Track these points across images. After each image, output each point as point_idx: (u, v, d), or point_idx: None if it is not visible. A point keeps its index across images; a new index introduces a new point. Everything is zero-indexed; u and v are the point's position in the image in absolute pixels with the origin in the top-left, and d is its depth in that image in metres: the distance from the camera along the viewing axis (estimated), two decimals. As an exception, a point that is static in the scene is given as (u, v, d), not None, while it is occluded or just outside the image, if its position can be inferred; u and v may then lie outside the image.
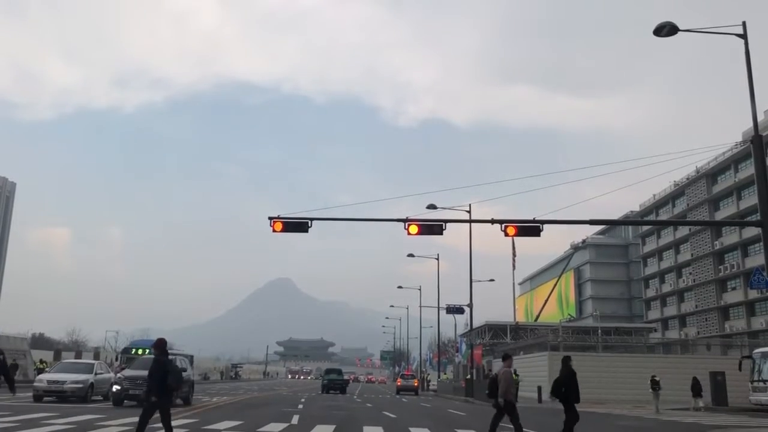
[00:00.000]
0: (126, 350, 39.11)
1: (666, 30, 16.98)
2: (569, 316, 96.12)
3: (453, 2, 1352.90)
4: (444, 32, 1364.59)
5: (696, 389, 29.12)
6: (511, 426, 12.47)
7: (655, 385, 27.73)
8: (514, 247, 57.89)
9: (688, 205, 75.83)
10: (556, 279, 79.79)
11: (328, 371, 50.95)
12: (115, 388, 20.13)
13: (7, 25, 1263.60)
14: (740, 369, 28.41)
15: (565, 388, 12.48)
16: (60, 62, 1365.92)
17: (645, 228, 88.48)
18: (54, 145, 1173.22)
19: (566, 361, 12.88)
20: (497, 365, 51.48)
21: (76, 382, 22.14)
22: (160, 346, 10.56)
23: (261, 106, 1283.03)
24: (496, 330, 60.02)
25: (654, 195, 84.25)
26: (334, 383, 45.36)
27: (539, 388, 34.96)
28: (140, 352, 37.02)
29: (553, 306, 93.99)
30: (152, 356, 28.03)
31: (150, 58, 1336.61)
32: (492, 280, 55.27)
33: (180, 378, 10.42)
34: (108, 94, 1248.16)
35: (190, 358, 42.64)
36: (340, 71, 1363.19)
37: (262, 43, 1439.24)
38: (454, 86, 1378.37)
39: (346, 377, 52.82)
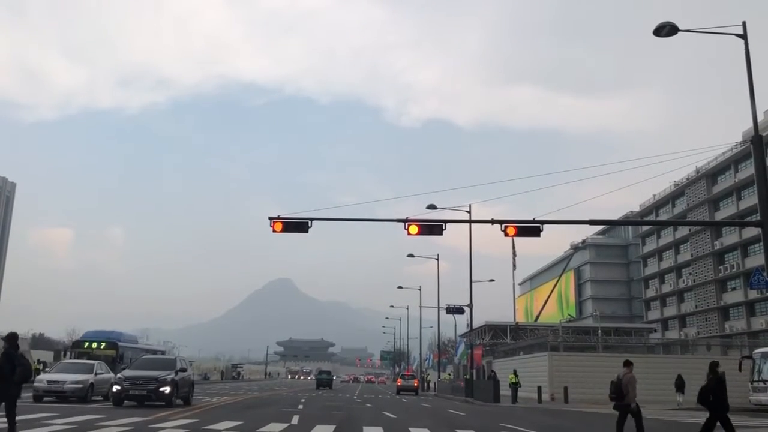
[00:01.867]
0: (77, 344, 34.64)
1: (666, 30, 17.00)
2: (569, 317, 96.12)
3: (456, 3, 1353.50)
4: (447, 33, 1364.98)
5: (678, 385, 29.55)
6: (512, 426, 12.47)
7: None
8: (514, 248, 57.89)
9: (688, 205, 75.84)
10: (556, 279, 79.77)
11: (320, 372, 69.89)
12: (116, 388, 20.11)
13: (10, 26, 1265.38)
14: (740, 369, 28.28)
15: (713, 395, 12.19)
16: (63, 63, 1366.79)
17: (645, 228, 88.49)
18: (56, 146, 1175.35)
19: (714, 366, 12.41)
20: (497, 365, 51.52)
21: (76, 383, 22.12)
22: (11, 339, 10.70)
23: (264, 106, 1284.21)
24: (496, 330, 59.99)
25: (654, 195, 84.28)
26: (323, 381, 62.32)
27: (539, 388, 34.94)
28: (94, 345, 33.48)
29: (553, 306, 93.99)
30: (156, 356, 27.86)
31: (153, 59, 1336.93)
32: (492, 280, 55.26)
33: (29, 372, 10.53)
34: (111, 94, 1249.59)
35: (163, 354, 39.60)
36: (344, 72, 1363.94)
37: (266, 44, 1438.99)
38: (456, 87, 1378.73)
39: (345, 377, 69.35)
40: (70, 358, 32.01)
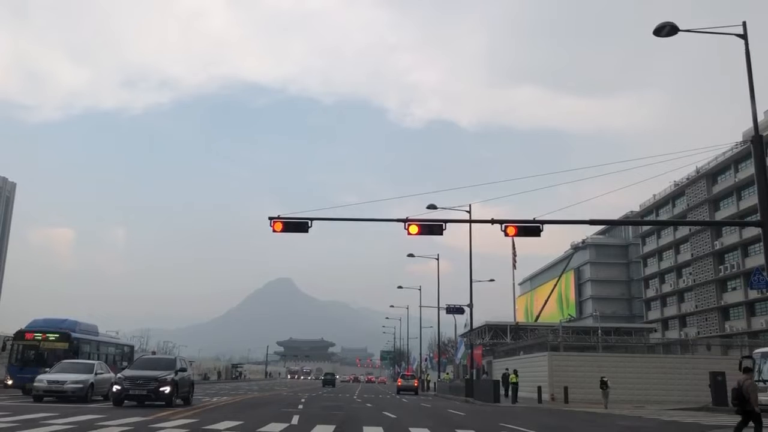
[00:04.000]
0: (19, 335, 28.37)
1: (666, 30, 17.00)
2: (569, 317, 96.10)
3: (459, 4, 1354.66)
4: (451, 34, 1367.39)
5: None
6: (512, 426, 12.47)
7: (603, 384, 30.54)
8: (514, 247, 57.91)
9: (688, 205, 75.82)
10: (556, 279, 79.77)
11: (326, 374, 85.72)
12: (116, 388, 20.12)
13: (14, 27, 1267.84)
14: (740, 369, 28.34)
15: None
16: (67, 63, 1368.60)
17: (645, 228, 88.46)
18: (60, 146, 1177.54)
19: None
20: (497, 365, 51.50)
21: (77, 382, 22.14)
22: None
23: (267, 107, 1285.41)
24: (496, 330, 60.00)
25: (654, 195, 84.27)
26: (328, 380, 76.87)
27: (539, 388, 34.93)
28: (39, 336, 27.90)
29: (553, 306, 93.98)
30: (156, 356, 27.63)
31: (157, 60, 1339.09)
32: (492, 280, 55.22)
33: None
34: (115, 95, 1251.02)
35: (131, 349, 37.69)
36: (347, 72, 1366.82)
37: (270, 44, 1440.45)
38: (459, 87, 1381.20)
39: (345, 377, 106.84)
40: (13, 352, 27.77)
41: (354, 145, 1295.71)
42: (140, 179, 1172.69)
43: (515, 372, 35.82)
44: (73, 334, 28.67)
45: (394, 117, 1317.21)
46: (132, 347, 39.40)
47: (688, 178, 75.14)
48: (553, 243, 78.61)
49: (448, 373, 73.14)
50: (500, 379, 36.65)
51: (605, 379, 30.94)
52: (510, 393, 35.32)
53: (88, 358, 28.35)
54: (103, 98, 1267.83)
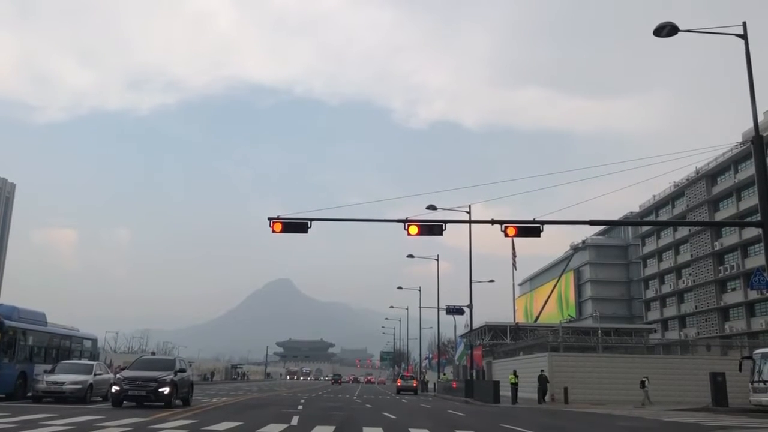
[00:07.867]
0: None
1: (666, 30, 17.00)
2: (569, 317, 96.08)
3: (465, 6, 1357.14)
4: (455, 35, 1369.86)
5: None
6: (512, 427, 12.43)
7: (641, 384, 32.78)
8: (513, 248, 57.89)
9: (687, 205, 75.82)
10: (555, 280, 79.75)
11: (334, 374, 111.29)
12: (114, 389, 20.11)
13: (21, 28, 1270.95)
14: (740, 370, 28.38)
15: None
16: (74, 64, 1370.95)
17: (645, 229, 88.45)
18: (65, 147, 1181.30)
19: None
20: (497, 366, 51.45)
21: (76, 383, 22.11)
22: None
23: (272, 108, 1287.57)
24: (495, 331, 59.95)
25: (654, 196, 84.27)
26: (336, 379, 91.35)
27: (539, 389, 34.88)
28: None
29: (552, 307, 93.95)
30: (156, 357, 27.25)
31: (163, 61, 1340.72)
32: (492, 280, 55.22)
33: None
34: (121, 96, 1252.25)
35: (93, 343, 32.81)
36: (353, 73, 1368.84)
37: (276, 45, 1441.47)
38: (465, 89, 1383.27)
39: (345, 378, 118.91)
40: None
41: (358, 145, 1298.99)
42: (144, 180, 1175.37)
43: (515, 372, 35.78)
44: (7, 323, 23.48)
45: (399, 118, 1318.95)
46: (94, 340, 33.31)
47: (687, 179, 75.12)
48: (553, 244, 78.55)
49: (445, 374, 73.18)
50: (537, 380, 35.21)
51: (644, 379, 32.74)
52: (540, 395, 35.05)
53: (31, 352, 25.28)
54: (109, 99, 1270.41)
